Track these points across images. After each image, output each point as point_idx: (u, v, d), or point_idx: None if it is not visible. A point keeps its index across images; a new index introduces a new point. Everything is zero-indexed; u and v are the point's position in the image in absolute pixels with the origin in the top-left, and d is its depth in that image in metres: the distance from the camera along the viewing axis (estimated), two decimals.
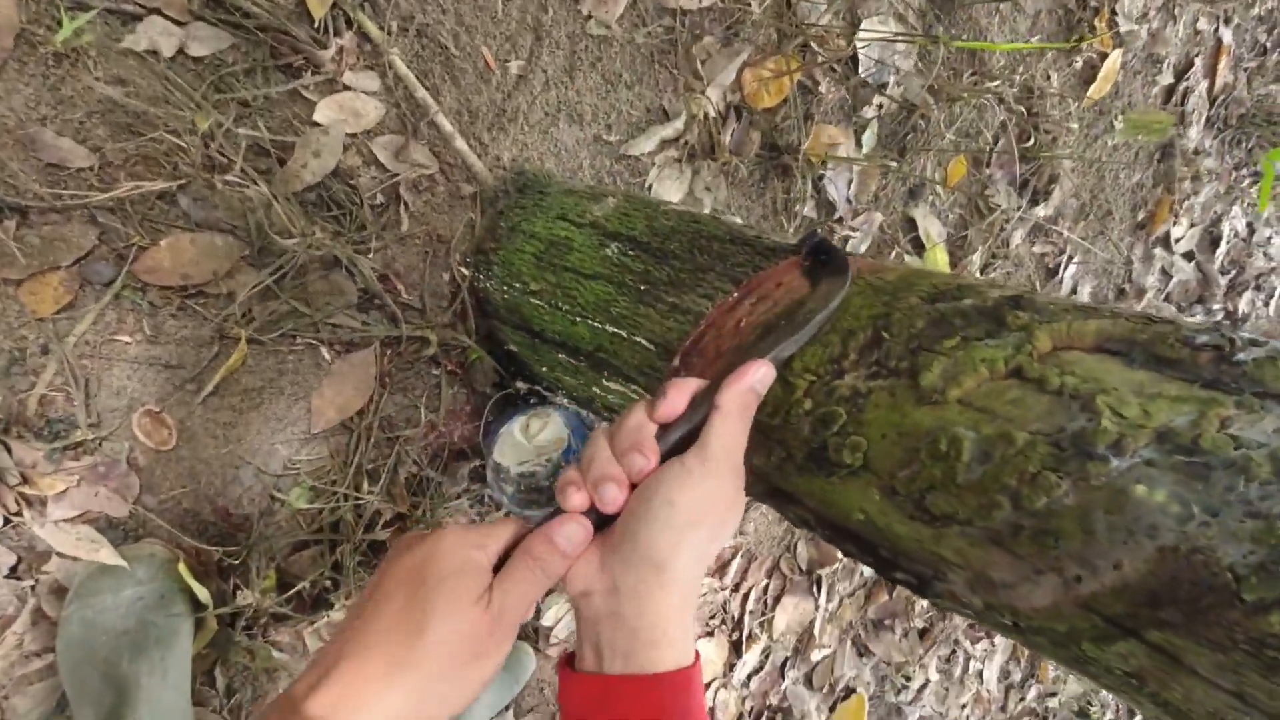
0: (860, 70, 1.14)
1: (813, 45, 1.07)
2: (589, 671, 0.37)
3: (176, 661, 0.74)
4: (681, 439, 0.40)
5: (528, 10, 0.88)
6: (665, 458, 0.39)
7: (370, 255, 0.84)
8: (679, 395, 0.40)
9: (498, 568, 0.36)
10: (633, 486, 0.38)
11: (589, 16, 0.92)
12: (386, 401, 0.90)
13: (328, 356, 0.86)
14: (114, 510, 0.76)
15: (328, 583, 0.86)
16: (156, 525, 0.78)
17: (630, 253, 0.66)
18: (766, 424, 0.49)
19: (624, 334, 0.63)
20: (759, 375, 0.41)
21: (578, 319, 0.70)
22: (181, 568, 0.77)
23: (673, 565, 0.36)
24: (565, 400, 0.91)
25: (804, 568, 1.44)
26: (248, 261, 0.78)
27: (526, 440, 0.96)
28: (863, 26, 1.10)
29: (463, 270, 0.90)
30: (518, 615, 0.35)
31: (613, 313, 0.65)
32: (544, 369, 0.83)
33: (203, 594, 0.79)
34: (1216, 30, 1.72)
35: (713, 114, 1.04)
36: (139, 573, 0.72)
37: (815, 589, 1.44)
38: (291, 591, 0.83)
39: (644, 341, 0.61)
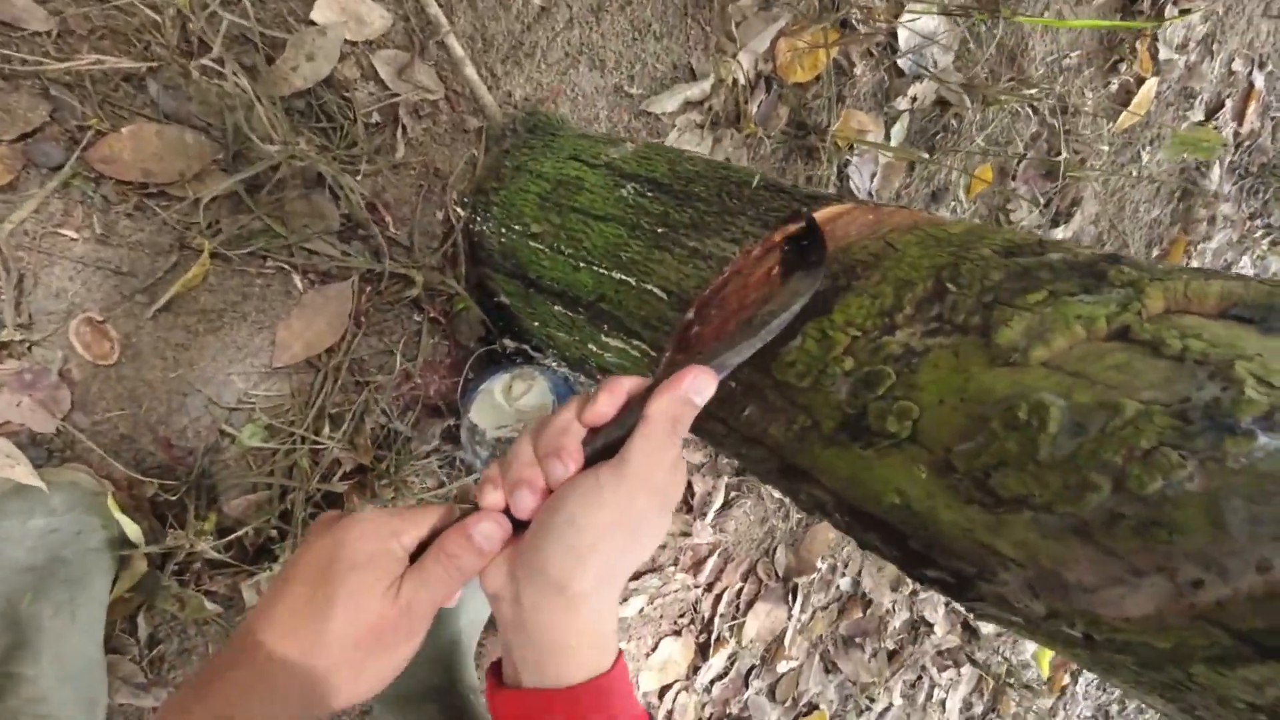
0: (898, 58, 1.09)
1: (854, 21, 1.01)
2: (509, 681, 0.36)
3: (89, 604, 0.66)
4: (610, 445, 0.35)
5: None
6: (593, 463, 0.35)
7: (359, 179, 0.77)
8: (610, 398, 0.36)
9: (416, 555, 0.35)
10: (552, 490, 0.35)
11: None
12: (360, 343, 0.82)
13: (300, 285, 0.78)
14: (38, 425, 0.68)
15: (273, 532, 0.79)
16: (86, 449, 0.70)
17: (648, 194, 0.59)
18: (792, 387, 0.42)
19: (632, 281, 0.56)
20: (694, 384, 0.35)
21: (581, 264, 0.63)
22: (110, 501, 0.69)
23: (574, 586, 0.33)
24: (554, 362, 0.84)
25: (781, 574, 1.38)
26: (220, 166, 0.70)
27: (507, 403, 0.88)
28: (908, 7, 1.04)
29: (458, 210, 0.83)
30: (428, 609, 0.34)
31: (622, 258, 0.58)
32: (536, 323, 0.76)
33: (133, 530, 0.71)
34: (1250, 73, 1.69)
35: (742, 81, 0.97)
36: (55, 500, 0.64)
37: (790, 598, 1.39)
38: (232, 537, 0.76)
39: (655, 290, 0.54)
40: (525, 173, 0.75)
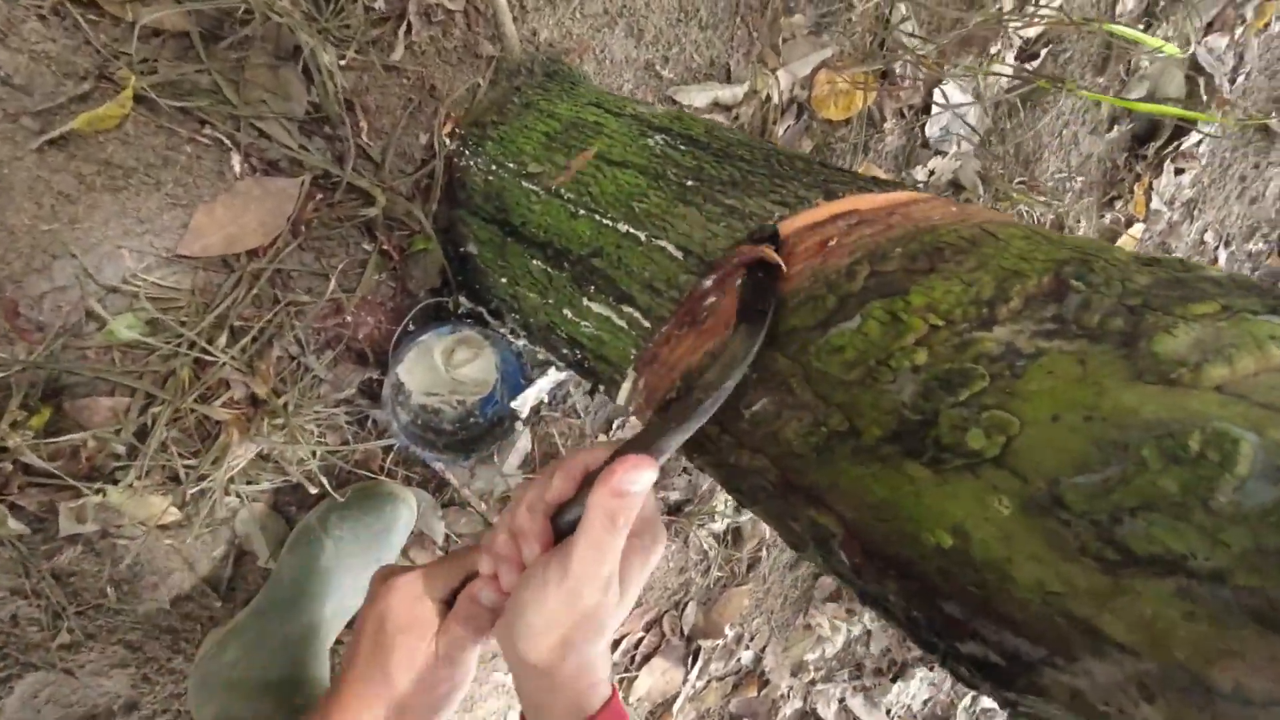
0: (927, 126, 1.06)
1: (896, 73, 0.98)
2: None
3: None
4: (575, 521, 0.36)
5: None
6: (563, 536, 0.37)
7: (341, 65, 0.66)
8: (564, 479, 0.38)
9: (453, 598, 0.41)
10: None
11: None
12: (292, 255, 0.69)
13: (237, 168, 0.66)
14: None
15: (120, 449, 0.64)
16: None
17: (681, 146, 0.51)
18: (831, 379, 0.34)
19: (642, 236, 0.47)
20: (628, 477, 0.33)
21: (581, 212, 0.53)
22: None
23: (534, 661, 0.36)
24: (512, 331, 0.73)
25: (686, 632, 1.27)
26: None
27: (445, 367, 0.77)
28: (946, 78, 1.02)
29: (445, 139, 0.73)
30: (462, 655, 0.40)
31: (634, 209, 0.49)
32: (503, 280, 0.66)
33: None
34: (1217, 248, 1.78)
35: (775, 100, 0.92)
36: None
37: (690, 660, 1.27)
38: (63, 440, 0.60)
39: (670, 248, 0.45)
40: (534, 110, 0.66)
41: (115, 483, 0.64)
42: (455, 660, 0.39)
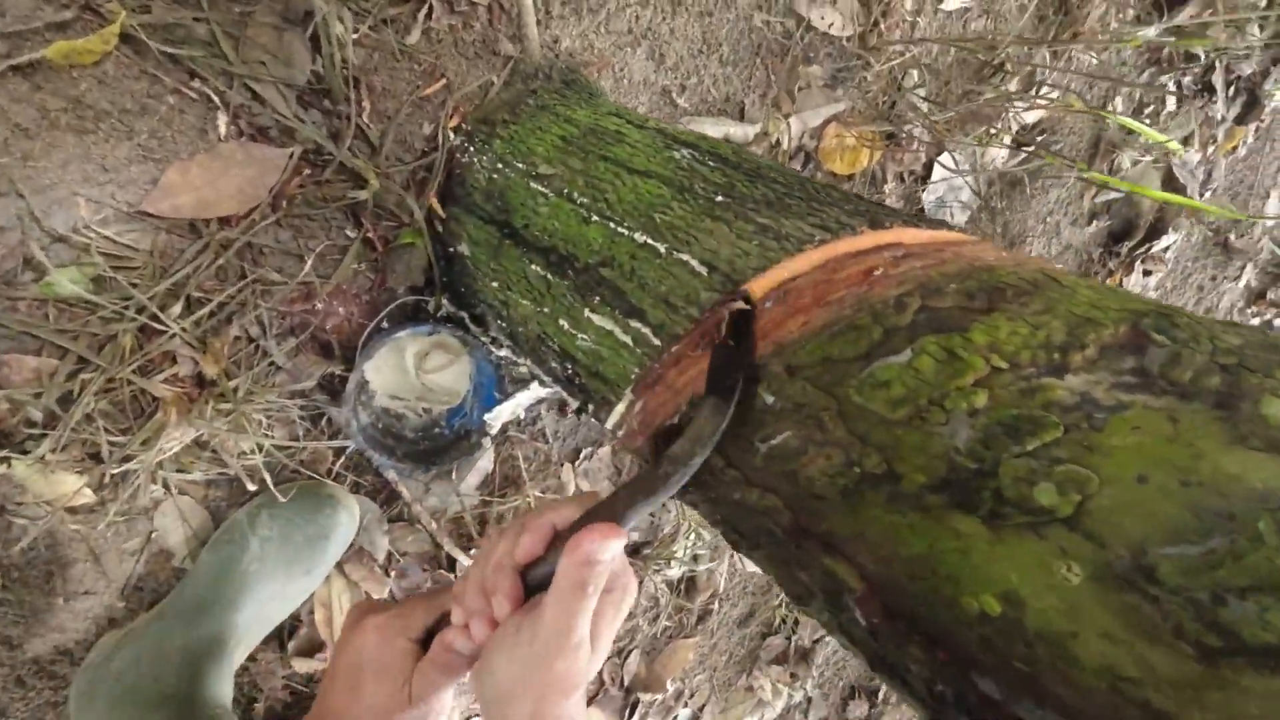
0: (925, 192, 1.08)
1: (902, 137, 0.99)
2: None
3: None
4: (548, 577, 0.36)
5: None
6: (534, 593, 0.37)
7: (354, 38, 0.62)
8: (534, 538, 0.37)
9: (427, 637, 0.41)
10: None
11: None
12: (268, 229, 0.64)
13: (222, 129, 0.61)
14: None
15: (37, 414, 0.56)
16: None
17: (710, 162, 0.48)
18: (872, 416, 0.31)
19: (661, 249, 0.44)
20: (594, 548, 0.33)
21: (595, 218, 0.50)
22: None
23: (508, 717, 0.36)
24: (495, 340, 0.69)
25: (626, 683, 1.20)
26: None
27: (416, 371, 0.72)
28: (949, 148, 1.04)
29: (450, 132, 0.69)
30: (437, 698, 0.40)
31: (655, 220, 0.46)
32: (495, 284, 0.62)
33: None
34: None
35: (784, 145, 0.92)
36: None
37: (627, 713, 1.20)
38: None
39: (693, 262, 0.42)
40: (550, 113, 0.63)
41: (25, 453, 0.57)
42: (429, 702, 0.40)
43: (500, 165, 0.63)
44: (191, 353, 0.61)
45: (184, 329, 0.60)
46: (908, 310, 0.32)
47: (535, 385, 0.61)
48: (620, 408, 0.48)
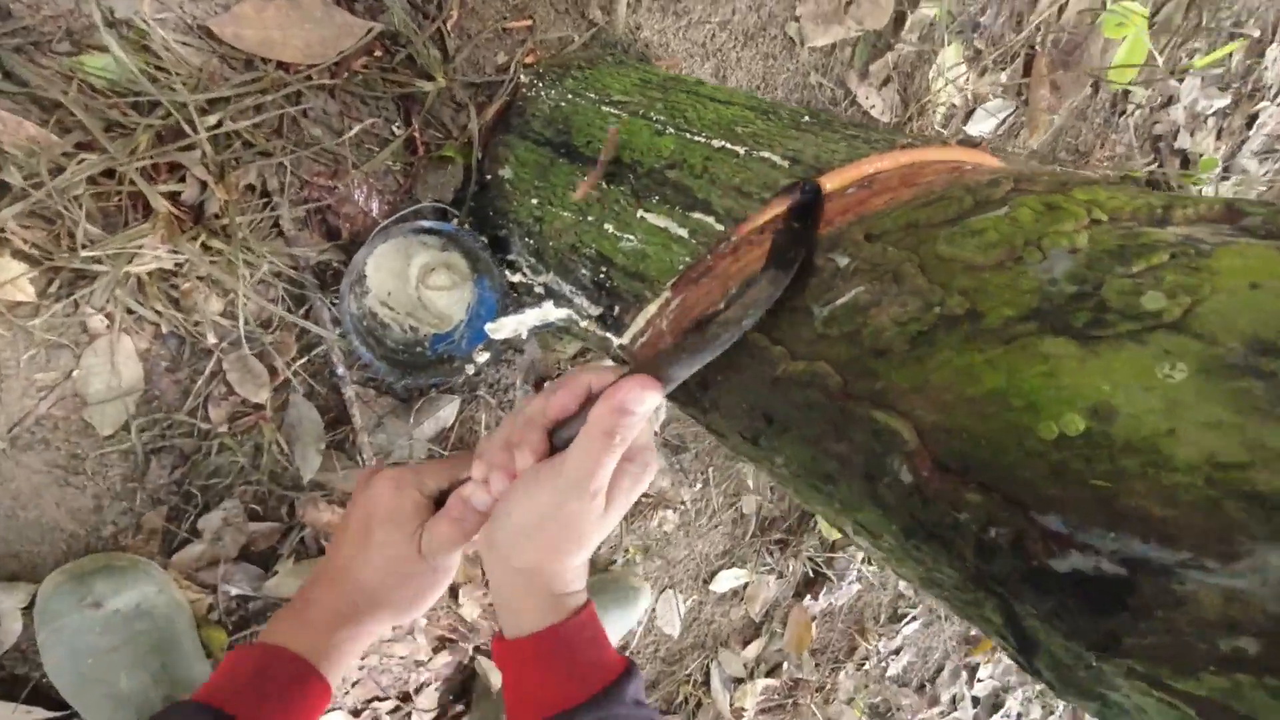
0: None
1: None
2: (499, 631, 0.42)
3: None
4: (572, 438, 0.36)
5: None
6: (559, 451, 0.37)
7: None
8: (569, 393, 0.38)
9: (441, 498, 0.42)
10: None
11: (796, 16, 0.87)
12: (320, 93, 0.63)
13: None
14: None
15: (14, 179, 0.51)
16: None
17: (791, 110, 0.51)
18: (957, 263, 0.31)
19: (740, 150, 0.45)
20: (630, 396, 0.33)
21: (670, 130, 0.52)
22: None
23: (515, 562, 0.37)
24: (506, 263, 0.67)
25: None
26: None
27: (416, 284, 0.69)
28: None
29: (521, 72, 0.71)
30: (443, 554, 0.41)
31: (737, 130, 0.48)
32: (534, 201, 0.62)
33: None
34: None
35: None
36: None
37: None
38: None
39: (774, 157, 0.43)
40: (629, 66, 0.66)
41: None
42: (436, 557, 0.40)
43: (570, 95, 0.64)
44: (205, 175, 0.58)
45: (207, 149, 0.57)
46: (1000, 186, 0.33)
47: (548, 306, 0.59)
48: (652, 307, 0.47)
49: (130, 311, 0.62)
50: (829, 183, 0.39)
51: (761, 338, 0.39)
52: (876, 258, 0.34)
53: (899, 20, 0.92)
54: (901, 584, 1.51)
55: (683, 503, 1.11)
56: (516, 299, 0.68)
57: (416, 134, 0.69)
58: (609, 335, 0.52)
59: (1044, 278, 0.28)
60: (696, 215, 0.45)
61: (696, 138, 0.49)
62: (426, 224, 0.64)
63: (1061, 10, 1.03)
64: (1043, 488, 0.26)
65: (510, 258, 0.67)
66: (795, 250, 0.37)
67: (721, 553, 1.22)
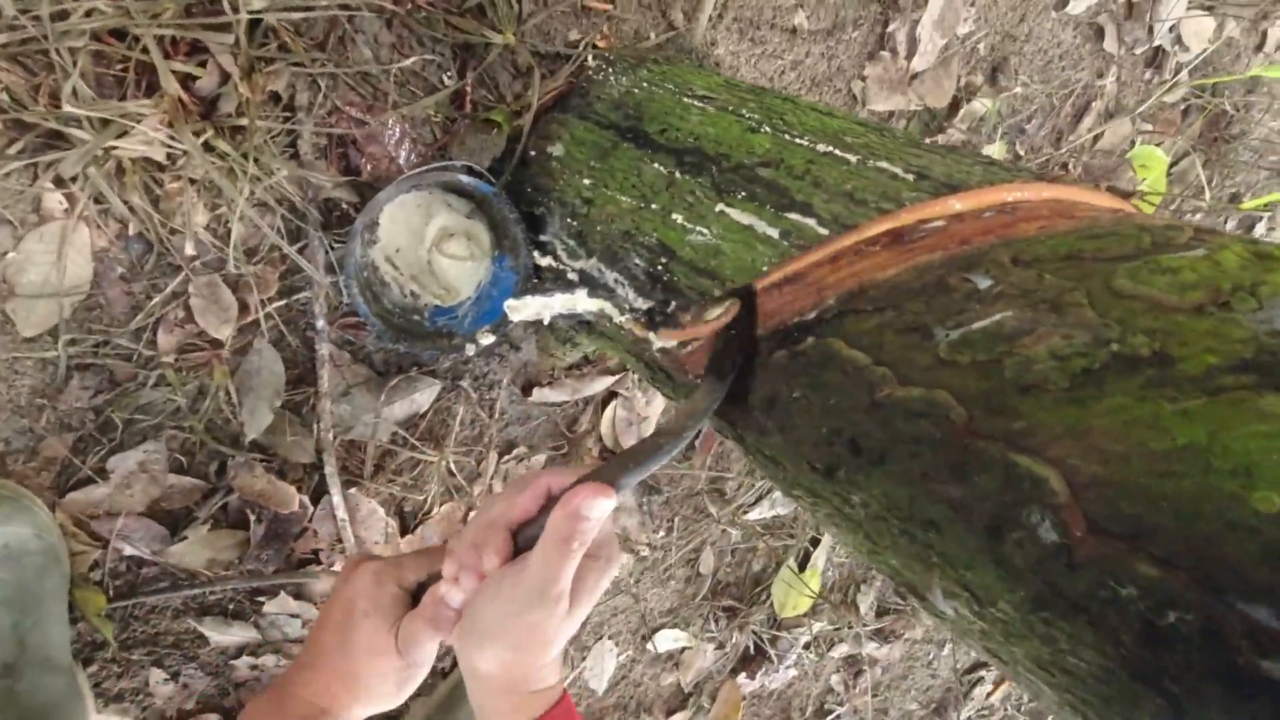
0: None
1: None
2: None
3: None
4: (535, 539, 0.37)
5: (846, 9, 0.82)
6: (524, 551, 0.38)
7: None
8: (532, 496, 0.38)
9: (419, 590, 0.42)
10: None
11: (864, 75, 0.86)
12: (377, 19, 0.58)
13: None
14: None
15: (7, 6, 0.43)
16: None
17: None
18: (1144, 302, 0.27)
19: (852, 159, 0.42)
20: (584, 505, 0.34)
21: (765, 129, 0.48)
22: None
23: (479, 667, 0.38)
24: (539, 245, 0.61)
25: None
26: None
27: (429, 243, 0.63)
28: None
29: (590, 54, 0.67)
30: (418, 650, 0.40)
31: (845, 140, 0.44)
32: (586, 182, 0.57)
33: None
34: None
35: None
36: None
37: None
38: None
39: (894, 169, 0.39)
40: (714, 73, 0.63)
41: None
42: (412, 651, 0.40)
43: (644, 84, 0.61)
44: (231, 67, 0.51)
45: (241, 38, 0.50)
46: (1182, 232, 0.29)
47: (580, 294, 0.53)
48: (717, 309, 0.42)
49: (99, 200, 0.54)
50: (961, 203, 0.35)
51: (859, 354, 0.34)
52: (1029, 283, 0.30)
53: (954, 105, 0.93)
54: (834, 678, 1.45)
55: (645, 545, 1.03)
56: (540, 285, 0.62)
57: (468, 89, 0.64)
58: (649, 336, 0.47)
59: (1262, 328, 0.24)
60: (793, 216, 0.41)
61: (798, 140, 0.45)
62: (465, 179, 0.58)
63: (1097, 139, 1.07)
64: (1253, 571, 0.21)
65: (543, 239, 0.61)
66: (732, 359, 0.38)
67: (668, 610, 1.14)
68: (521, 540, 0.38)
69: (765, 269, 0.40)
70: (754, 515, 1.13)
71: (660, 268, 0.47)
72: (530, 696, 0.39)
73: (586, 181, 0.57)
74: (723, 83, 0.58)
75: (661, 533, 1.05)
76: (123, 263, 0.57)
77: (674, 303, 0.45)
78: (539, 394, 0.82)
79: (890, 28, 0.83)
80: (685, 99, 0.55)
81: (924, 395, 0.31)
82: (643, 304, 0.47)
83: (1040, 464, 0.27)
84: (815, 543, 1.22)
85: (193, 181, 0.54)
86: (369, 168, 0.62)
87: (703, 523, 1.08)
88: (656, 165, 0.52)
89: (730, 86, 0.57)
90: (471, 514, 0.85)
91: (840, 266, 0.37)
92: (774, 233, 0.41)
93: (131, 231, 0.56)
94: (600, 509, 0.34)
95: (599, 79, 0.65)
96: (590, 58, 0.67)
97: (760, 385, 0.39)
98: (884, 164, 0.40)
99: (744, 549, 1.15)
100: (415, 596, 0.42)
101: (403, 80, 0.62)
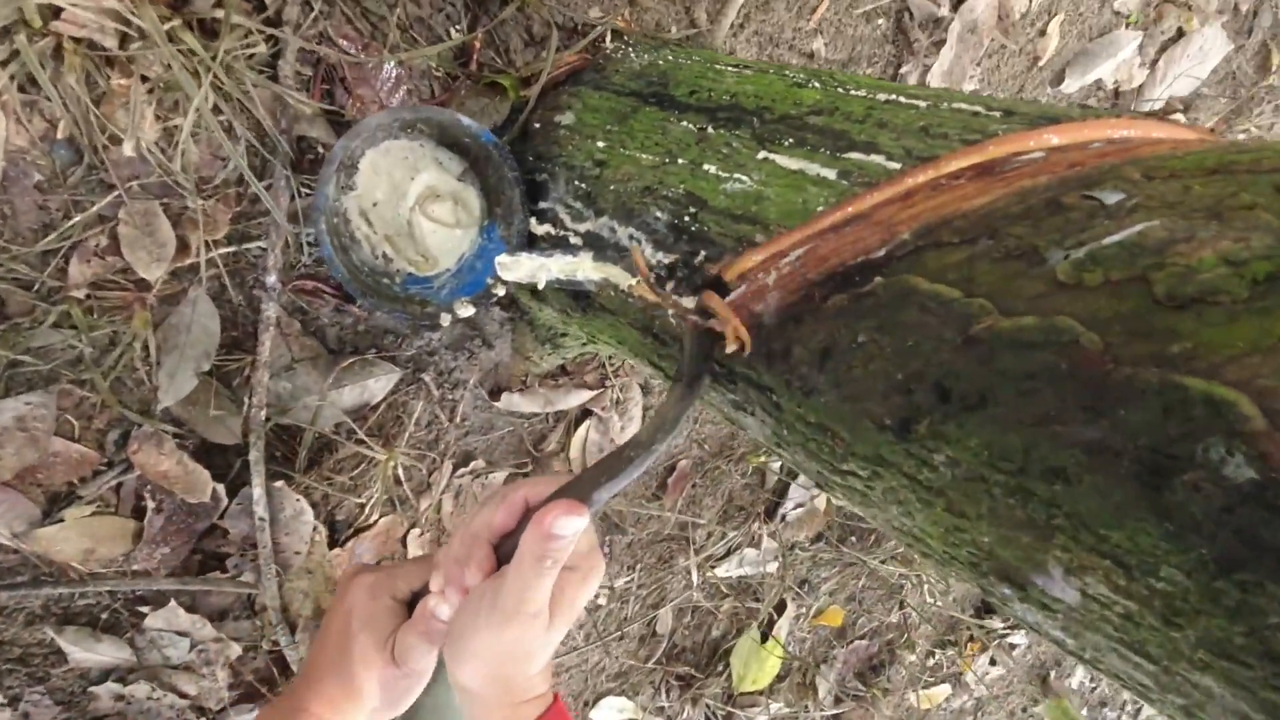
0: None
1: None
2: None
3: None
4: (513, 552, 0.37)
5: (863, 45, 0.82)
6: (505, 563, 0.37)
7: None
8: (507, 511, 0.38)
9: (414, 599, 0.42)
10: None
11: None
12: None
13: None
14: None
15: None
16: None
17: None
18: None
19: (920, 103, 0.37)
20: (558, 522, 0.34)
21: (814, 84, 0.43)
22: None
23: (463, 683, 0.39)
24: (539, 214, 0.55)
25: None
26: None
27: (411, 208, 0.56)
28: None
29: (608, 37, 0.64)
30: (417, 661, 0.41)
31: (910, 90, 0.40)
32: (600, 144, 0.52)
33: None
34: None
35: None
36: None
37: None
38: None
39: (974, 107, 0.35)
40: (728, 58, 0.60)
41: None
42: (408, 663, 0.40)
43: (670, 56, 0.57)
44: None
45: None
46: None
47: (585, 257, 0.47)
48: (756, 255, 0.36)
49: (25, 87, 0.46)
50: (1060, 136, 0.31)
51: (945, 288, 0.29)
52: (1173, 195, 0.25)
53: None
54: None
55: (605, 590, 0.92)
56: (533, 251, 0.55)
57: (475, 45, 0.59)
58: (668, 296, 0.40)
59: None
60: (854, 155, 0.36)
61: (854, 91, 0.41)
62: (466, 121, 0.52)
63: None
64: None
65: (543, 206, 0.55)
66: (702, 366, 0.37)
67: (616, 673, 1.01)
68: (502, 553, 0.38)
69: (819, 209, 0.35)
70: (721, 571, 1.03)
71: (688, 218, 0.41)
72: (520, 707, 0.39)
73: (600, 144, 0.52)
74: (751, 59, 0.54)
75: (623, 579, 0.95)
76: (43, 169, 0.48)
77: (703, 252, 0.39)
78: (508, 400, 0.73)
79: (903, 69, 0.83)
80: (717, 66, 0.51)
81: (1039, 323, 0.25)
82: (663, 258, 0.41)
83: (1222, 388, 0.20)
84: (781, 609, 1.12)
85: (145, 80, 0.46)
86: (355, 109, 0.56)
87: (665, 574, 0.98)
88: (685, 124, 0.47)
89: (757, 65, 0.53)
90: (411, 533, 0.74)
91: (915, 203, 0.32)
92: (830, 174, 0.36)
93: (60, 134, 0.48)
94: (572, 527, 0.34)
95: (617, 57, 0.61)
96: (609, 37, 0.63)
97: (809, 336, 0.33)
98: (961, 105, 0.35)
99: (705, 609, 1.05)
100: (412, 605, 0.42)
101: (406, 24, 0.56)
